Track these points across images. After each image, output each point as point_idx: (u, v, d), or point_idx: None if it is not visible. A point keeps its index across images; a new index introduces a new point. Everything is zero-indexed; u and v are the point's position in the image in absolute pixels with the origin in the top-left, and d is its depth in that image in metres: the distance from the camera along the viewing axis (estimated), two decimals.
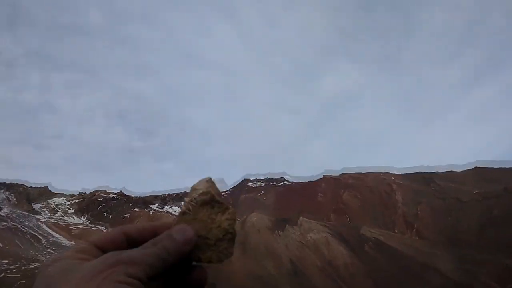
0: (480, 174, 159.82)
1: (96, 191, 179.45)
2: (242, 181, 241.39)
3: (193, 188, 0.98)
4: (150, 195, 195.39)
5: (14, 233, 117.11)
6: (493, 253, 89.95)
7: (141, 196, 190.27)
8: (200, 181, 0.98)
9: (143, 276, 0.83)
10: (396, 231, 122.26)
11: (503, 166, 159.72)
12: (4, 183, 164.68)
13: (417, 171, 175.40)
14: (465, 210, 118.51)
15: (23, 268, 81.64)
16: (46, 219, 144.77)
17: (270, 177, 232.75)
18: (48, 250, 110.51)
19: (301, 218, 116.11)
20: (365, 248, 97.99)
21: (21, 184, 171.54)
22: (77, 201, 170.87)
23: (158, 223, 1.00)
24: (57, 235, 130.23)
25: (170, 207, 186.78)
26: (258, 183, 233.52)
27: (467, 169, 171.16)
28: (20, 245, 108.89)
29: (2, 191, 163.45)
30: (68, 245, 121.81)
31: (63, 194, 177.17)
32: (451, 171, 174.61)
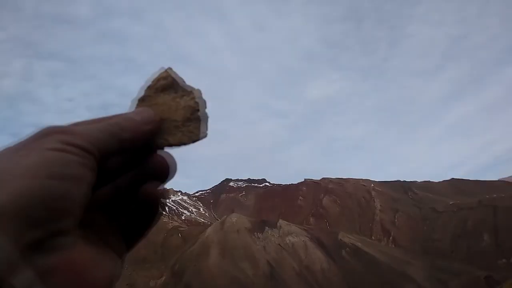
0: (456, 186, 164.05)
1: None
2: (223, 181, 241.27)
3: (150, 78, 0.81)
4: None
5: None
6: (465, 264, 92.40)
7: None
8: (157, 71, 0.81)
9: (88, 146, 0.62)
10: (373, 238, 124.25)
11: (478, 179, 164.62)
12: None
13: (396, 180, 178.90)
14: (441, 220, 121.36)
15: None
16: None
17: (251, 183, 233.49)
18: None
19: (280, 220, 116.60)
20: (342, 254, 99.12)
21: None
22: None
23: (111, 116, 0.74)
24: None
25: None
26: (240, 183, 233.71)
27: (444, 180, 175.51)
28: None
29: None
30: None
31: None
32: (429, 181, 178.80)
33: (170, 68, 0.78)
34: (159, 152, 0.80)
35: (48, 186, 0.54)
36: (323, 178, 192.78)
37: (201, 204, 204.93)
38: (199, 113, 0.80)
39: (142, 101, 0.80)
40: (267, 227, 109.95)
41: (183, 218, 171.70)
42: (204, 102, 0.82)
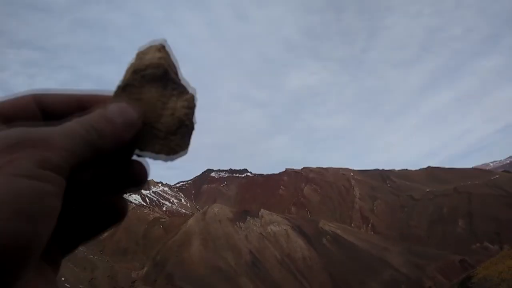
0: (432, 174, 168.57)
1: None
2: (205, 171, 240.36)
3: (139, 56, 0.67)
4: None
5: None
6: (441, 249, 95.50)
7: None
8: (149, 47, 0.67)
9: (64, 165, 0.50)
10: (353, 225, 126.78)
11: (453, 167, 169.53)
12: None
13: (374, 168, 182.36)
14: (417, 207, 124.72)
15: None
16: None
17: (233, 173, 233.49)
18: None
19: (262, 210, 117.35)
20: (323, 241, 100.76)
21: None
22: None
23: (87, 93, 0.65)
24: None
25: (130, 194, 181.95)
26: (221, 173, 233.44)
27: (421, 169, 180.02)
28: None
29: None
30: None
31: None
32: (406, 169, 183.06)
33: (163, 47, 0.65)
34: (134, 158, 0.66)
35: (12, 231, 0.43)
36: (304, 168, 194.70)
37: (182, 195, 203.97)
38: (186, 128, 0.66)
39: (124, 90, 0.66)
40: (249, 217, 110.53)
41: (164, 209, 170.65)
42: (195, 106, 0.67)
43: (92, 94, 0.65)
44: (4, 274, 0.46)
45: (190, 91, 0.67)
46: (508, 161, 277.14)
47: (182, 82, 0.67)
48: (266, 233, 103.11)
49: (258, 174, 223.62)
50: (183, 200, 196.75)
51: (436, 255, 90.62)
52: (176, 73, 0.67)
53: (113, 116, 0.60)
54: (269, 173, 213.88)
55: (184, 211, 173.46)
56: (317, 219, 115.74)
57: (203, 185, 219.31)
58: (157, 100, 0.64)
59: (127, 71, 0.66)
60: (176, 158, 0.66)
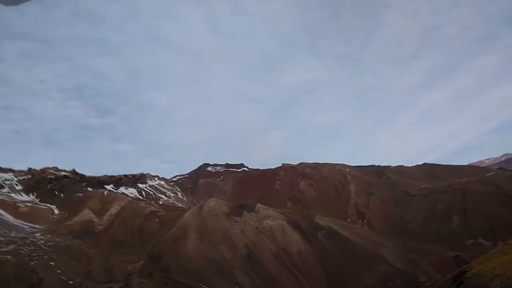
0: (428, 170, 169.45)
1: (47, 168, 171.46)
2: (201, 165, 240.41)
3: None
4: (105, 175, 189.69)
5: None
6: (435, 244, 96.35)
7: (95, 175, 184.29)
8: None
9: None
10: (348, 220, 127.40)
11: (449, 164, 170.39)
12: None
13: (370, 164, 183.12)
14: (413, 203, 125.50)
15: None
16: None
17: (229, 168, 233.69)
18: None
19: (258, 204, 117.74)
20: (319, 236, 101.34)
21: None
22: (25, 177, 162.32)
23: None
24: (2, 212, 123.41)
25: (126, 188, 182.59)
26: (218, 168, 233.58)
27: (416, 165, 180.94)
28: None
29: None
30: (14, 223, 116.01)
31: (10, 169, 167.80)
32: (402, 166, 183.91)
33: None
34: None
35: None
36: (300, 163, 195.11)
37: (178, 189, 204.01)
38: None
39: None
40: (245, 211, 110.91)
41: (160, 202, 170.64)
42: None
43: None
44: None
45: None
46: (503, 159, 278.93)
47: None
48: (262, 227, 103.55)
49: (254, 169, 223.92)
50: (179, 194, 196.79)
51: (430, 250, 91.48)
52: None
53: None
54: (266, 168, 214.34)
55: (180, 205, 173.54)
56: (312, 214, 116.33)
57: (199, 179, 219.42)
58: None
59: None
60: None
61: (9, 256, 74.07)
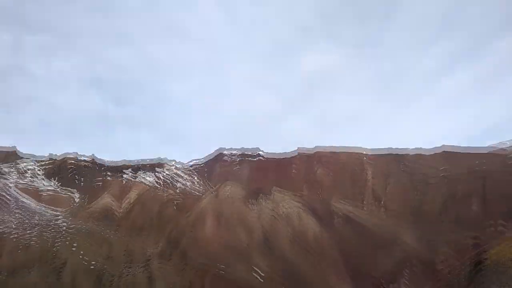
0: (447, 155, 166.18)
1: (67, 156, 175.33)
2: (217, 152, 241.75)
3: None
4: (123, 163, 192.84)
5: None
6: (453, 229, 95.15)
7: (114, 163, 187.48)
8: None
9: None
10: (365, 205, 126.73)
11: (469, 151, 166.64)
12: None
13: (388, 151, 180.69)
14: (431, 187, 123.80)
15: None
16: (15, 181, 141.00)
17: (245, 151, 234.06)
18: (17, 213, 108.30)
19: (274, 189, 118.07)
20: (335, 221, 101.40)
21: None
22: (47, 165, 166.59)
23: None
24: (26, 198, 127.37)
25: (144, 174, 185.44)
26: (234, 156, 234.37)
27: (436, 151, 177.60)
28: None
29: None
30: (37, 209, 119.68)
31: (33, 157, 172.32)
32: (420, 152, 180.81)
33: None
34: None
35: None
36: (316, 147, 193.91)
37: (195, 175, 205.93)
38: None
39: None
40: (261, 196, 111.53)
41: (177, 189, 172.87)
42: None
43: None
44: None
45: None
46: None
47: None
48: (278, 212, 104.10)
49: (270, 155, 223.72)
50: (196, 180, 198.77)
51: (448, 235, 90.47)
52: None
53: None
54: (282, 154, 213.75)
55: (197, 191, 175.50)
56: (329, 199, 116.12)
57: (215, 166, 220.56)
58: None
59: None
60: None
61: (33, 240, 76.70)
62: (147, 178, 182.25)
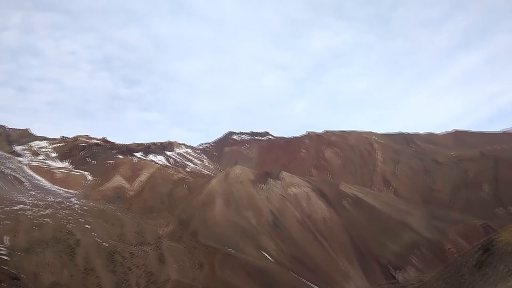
0: (459, 137, 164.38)
1: (79, 136, 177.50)
2: (227, 134, 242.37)
3: None
4: (134, 143, 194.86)
5: None
6: (464, 213, 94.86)
7: (125, 143, 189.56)
8: None
9: None
10: (374, 188, 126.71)
11: (482, 132, 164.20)
12: None
13: (398, 131, 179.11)
14: (441, 171, 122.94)
15: (6, 209, 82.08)
16: (28, 161, 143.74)
17: (254, 135, 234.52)
18: (31, 192, 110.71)
19: (283, 172, 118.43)
20: (343, 204, 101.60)
21: (0, 125, 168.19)
22: (59, 145, 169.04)
23: None
24: (39, 178, 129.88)
25: (155, 155, 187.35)
26: (243, 136, 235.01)
27: (447, 132, 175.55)
28: (3, 186, 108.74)
29: None
30: (51, 189, 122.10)
31: (45, 137, 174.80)
32: (432, 133, 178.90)
33: None
34: None
35: None
36: (326, 131, 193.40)
37: (205, 157, 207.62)
38: None
39: None
40: (270, 178, 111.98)
41: (188, 170, 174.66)
42: None
43: None
44: None
45: None
46: None
47: None
48: (286, 194, 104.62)
49: (279, 137, 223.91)
50: (206, 162, 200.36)
51: (458, 219, 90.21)
52: None
53: None
54: (291, 136, 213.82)
55: (207, 172, 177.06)
56: (338, 182, 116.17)
57: (225, 147, 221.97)
58: None
59: None
60: None
61: (47, 219, 78.43)
62: (158, 158, 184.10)
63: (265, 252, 79.71)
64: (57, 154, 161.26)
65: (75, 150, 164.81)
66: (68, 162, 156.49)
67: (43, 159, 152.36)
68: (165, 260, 71.04)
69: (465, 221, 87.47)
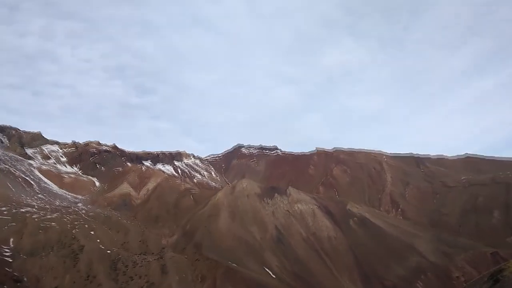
0: (470, 162, 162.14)
1: (90, 142, 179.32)
2: (235, 146, 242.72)
3: None
4: (143, 151, 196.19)
5: (6, 176, 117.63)
6: (473, 239, 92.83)
7: (134, 151, 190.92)
8: None
9: None
10: (381, 209, 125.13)
11: (494, 158, 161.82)
12: None
13: (408, 153, 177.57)
14: (451, 194, 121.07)
15: (13, 211, 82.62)
16: (39, 165, 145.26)
17: (263, 150, 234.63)
18: (39, 195, 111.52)
19: (290, 187, 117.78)
20: (350, 223, 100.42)
21: (14, 127, 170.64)
22: (70, 150, 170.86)
23: None
24: (48, 182, 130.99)
25: (163, 165, 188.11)
26: (252, 150, 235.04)
27: (458, 156, 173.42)
28: (12, 188, 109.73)
29: None
30: (59, 193, 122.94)
31: (56, 141, 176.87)
32: (442, 156, 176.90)
33: None
34: None
35: None
36: (335, 149, 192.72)
37: (212, 168, 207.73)
38: None
39: None
40: (276, 194, 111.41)
41: (195, 180, 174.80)
42: None
43: None
44: None
45: None
46: None
47: None
48: (292, 210, 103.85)
49: (288, 152, 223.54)
50: (213, 173, 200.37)
51: (466, 245, 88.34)
52: None
53: None
54: (299, 152, 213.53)
55: (213, 184, 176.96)
56: (345, 201, 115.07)
57: (233, 160, 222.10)
58: None
59: None
60: None
61: (53, 223, 78.78)
62: (166, 168, 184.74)
63: (267, 268, 78.75)
64: (67, 159, 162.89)
65: (85, 155, 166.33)
66: (78, 167, 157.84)
67: (53, 163, 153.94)
68: (167, 271, 70.56)
69: (474, 248, 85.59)
